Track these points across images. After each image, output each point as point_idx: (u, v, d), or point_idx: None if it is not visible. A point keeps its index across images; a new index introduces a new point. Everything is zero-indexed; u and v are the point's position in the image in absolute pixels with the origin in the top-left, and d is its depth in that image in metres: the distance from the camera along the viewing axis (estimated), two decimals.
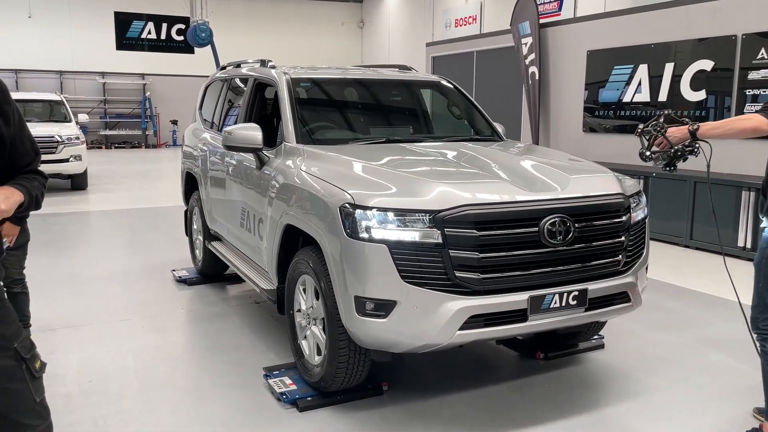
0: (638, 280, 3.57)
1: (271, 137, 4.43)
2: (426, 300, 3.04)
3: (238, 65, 5.60)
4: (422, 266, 3.04)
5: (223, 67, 6.03)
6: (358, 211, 3.10)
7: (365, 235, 3.08)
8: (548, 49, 10.55)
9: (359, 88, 4.93)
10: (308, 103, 4.60)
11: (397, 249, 3.04)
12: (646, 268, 3.74)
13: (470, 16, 19.05)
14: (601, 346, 4.42)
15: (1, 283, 2.03)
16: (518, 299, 3.14)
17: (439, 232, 3.04)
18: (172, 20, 23.36)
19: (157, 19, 23.34)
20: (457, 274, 3.05)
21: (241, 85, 5.24)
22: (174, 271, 6.22)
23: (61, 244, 7.70)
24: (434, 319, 3.04)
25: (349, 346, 3.33)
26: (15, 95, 13.71)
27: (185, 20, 20.76)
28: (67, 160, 11.24)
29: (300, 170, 3.74)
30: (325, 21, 26.09)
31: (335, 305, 3.28)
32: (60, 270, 6.45)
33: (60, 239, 7.97)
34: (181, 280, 5.96)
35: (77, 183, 11.88)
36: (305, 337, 3.72)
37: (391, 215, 3.08)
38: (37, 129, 11.28)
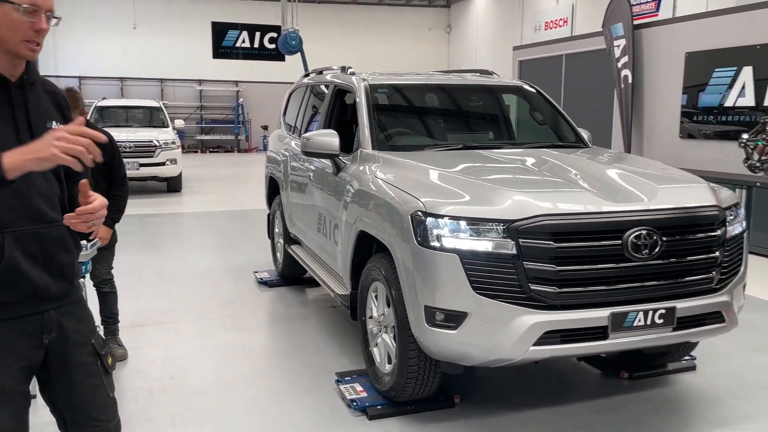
0: (734, 299, 3.30)
1: (350, 143, 4.45)
2: (499, 313, 2.94)
3: (321, 72, 5.67)
4: (495, 278, 2.94)
5: (307, 74, 6.14)
6: (429, 219, 3.04)
7: (436, 244, 3.01)
8: (643, 51, 10.07)
9: (438, 93, 4.87)
10: (386, 109, 4.58)
11: (468, 259, 2.95)
12: (744, 286, 3.46)
13: (561, 19, 18.52)
14: (693, 368, 4.13)
15: (81, 282, 2.10)
16: (598, 316, 2.97)
17: (513, 242, 2.93)
18: (264, 29, 24.15)
19: (251, 29, 24.19)
20: (532, 287, 2.93)
21: (323, 91, 5.30)
22: (256, 272, 6.38)
23: (154, 244, 8.09)
24: (507, 333, 2.93)
25: (419, 357, 3.27)
26: (119, 102, 14.56)
27: (277, 29, 21.39)
28: (163, 164, 11.82)
29: (375, 177, 3.73)
30: (412, 26, 26.16)
31: (405, 314, 3.23)
32: (151, 268, 6.76)
33: (153, 239, 8.38)
34: (263, 282, 6.10)
35: (172, 185, 12.47)
36: (376, 344, 3.70)
37: (463, 224, 3.00)
38: (138, 134, 11.96)
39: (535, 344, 2.94)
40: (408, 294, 3.18)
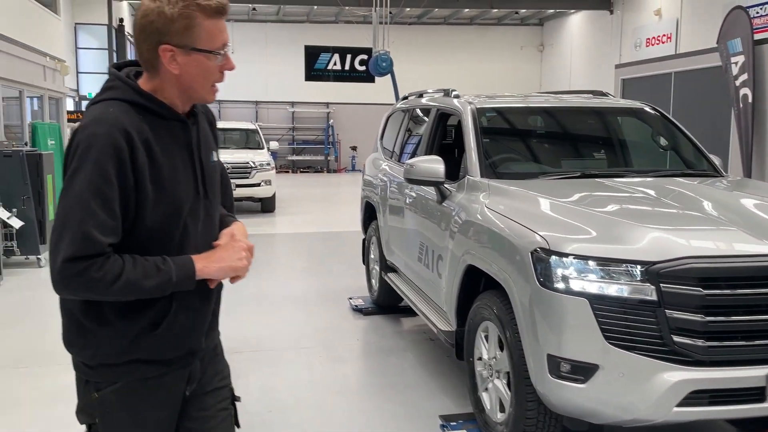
0: None
1: (453, 170, 4.21)
2: (635, 367, 2.59)
3: (420, 95, 5.48)
4: (631, 327, 2.60)
5: (405, 98, 5.97)
6: (553, 258, 2.74)
7: (561, 286, 2.70)
8: (765, 68, 9.27)
9: (549, 116, 4.56)
10: (494, 134, 4.32)
11: (599, 304, 2.63)
12: None
13: (664, 35, 17.59)
14: None
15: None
16: (754, 375, 2.57)
17: (653, 287, 2.58)
18: (355, 51, 24.46)
19: (342, 51, 24.58)
20: (675, 339, 2.56)
21: (423, 115, 5.10)
22: (351, 299, 6.23)
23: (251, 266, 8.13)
24: (646, 391, 2.57)
25: (539, 409, 2.96)
26: (218, 124, 15.16)
27: (368, 51, 21.59)
28: (258, 185, 12.02)
29: (484, 207, 3.46)
30: (503, 45, 25.76)
31: (523, 360, 2.93)
32: (248, 291, 6.75)
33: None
34: (357, 309, 5.94)
35: (266, 206, 12.66)
36: (486, 389, 3.40)
37: (592, 264, 2.68)
38: (234, 155, 12.24)
39: (679, 405, 2.56)
40: (527, 339, 2.88)
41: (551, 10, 23.05)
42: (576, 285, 2.68)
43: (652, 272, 2.59)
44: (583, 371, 2.66)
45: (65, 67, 12.29)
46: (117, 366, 1.67)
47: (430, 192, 4.23)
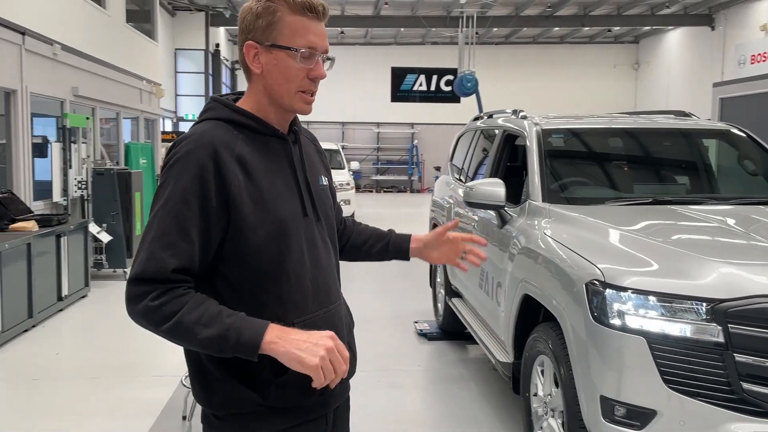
0: None
1: (517, 193, 4.04)
2: (698, 415, 2.34)
3: (491, 116, 5.35)
4: (694, 370, 2.35)
5: (477, 118, 5.85)
6: (608, 291, 2.54)
7: (617, 322, 2.50)
8: None
9: (623, 138, 4.30)
10: (561, 156, 4.12)
11: (659, 344, 2.40)
12: None
13: None
14: None
15: None
16: None
17: (719, 328, 2.33)
18: (441, 72, 24.50)
19: (428, 72, 24.69)
20: (744, 387, 2.30)
21: (491, 136, 4.96)
22: (416, 323, 6.11)
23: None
24: None
25: None
26: None
27: (454, 71, 21.56)
28: None
29: (543, 233, 3.28)
30: (595, 64, 24.99)
31: (576, 400, 2.72)
32: None
33: None
34: (422, 334, 5.82)
35: None
36: (541, 428, 3.20)
37: (652, 300, 2.46)
38: None
39: None
40: (580, 378, 2.68)
41: (647, 27, 22.18)
42: (633, 322, 2.47)
43: (719, 311, 2.34)
44: (639, 417, 2.44)
45: (161, 90, 13.02)
46: (245, 415, 1.51)
47: (492, 216, 4.08)
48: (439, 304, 5.92)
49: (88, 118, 8.07)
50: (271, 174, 1.52)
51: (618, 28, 22.42)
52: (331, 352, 1.38)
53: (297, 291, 1.51)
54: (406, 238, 1.96)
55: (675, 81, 21.71)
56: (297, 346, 1.38)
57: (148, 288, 1.37)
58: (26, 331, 5.85)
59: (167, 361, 4.89)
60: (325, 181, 1.70)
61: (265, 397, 1.48)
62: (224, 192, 1.43)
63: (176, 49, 19.80)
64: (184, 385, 3.89)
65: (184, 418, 3.75)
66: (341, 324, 1.65)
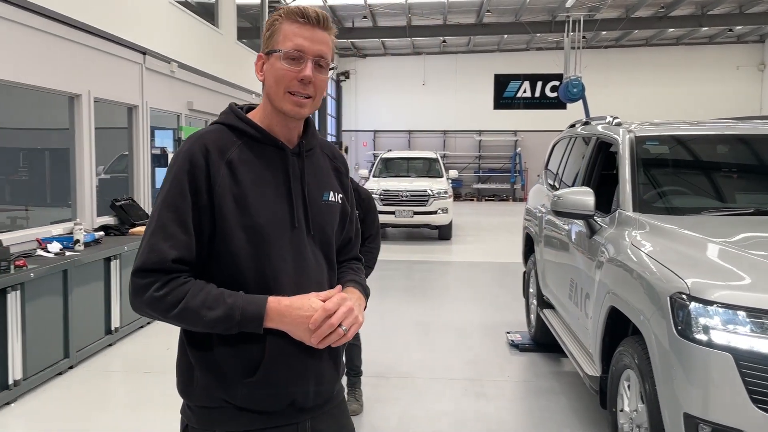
0: None
1: (611, 203, 3.93)
2: None
3: (586, 122, 5.22)
4: None
5: (573, 125, 5.72)
6: (694, 305, 2.44)
7: (702, 337, 2.39)
8: None
9: (726, 145, 4.07)
10: (656, 164, 3.96)
11: (747, 362, 2.28)
12: None
13: None
14: None
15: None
16: None
17: None
18: (546, 78, 23.97)
19: (533, 78, 24.23)
20: None
21: (584, 144, 4.84)
22: (508, 333, 6.05)
23: (416, 291, 8.28)
24: None
25: None
26: (401, 153, 15.56)
27: (559, 77, 21.05)
28: (435, 212, 12.23)
29: (632, 244, 3.19)
30: (713, 66, 23.48)
31: (660, 417, 2.62)
32: (409, 317, 6.89)
33: (418, 287, 8.60)
34: (514, 345, 5.75)
35: (443, 233, 12.82)
36: None
37: (741, 315, 2.34)
38: (414, 184, 12.62)
39: None
40: (663, 394, 2.58)
41: None
42: (720, 337, 2.36)
43: None
44: None
45: None
46: (215, 410, 1.56)
47: (581, 226, 3.99)
48: (532, 315, 5.83)
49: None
50: (260, 181, 1.56)
51: (740, 27, 20.96)
52: (331, 327, 1.48)
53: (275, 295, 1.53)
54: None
55: None
56: (298, 326, 1.49)
57: (151, 279, 1.46)
58: (149, 323, 6.36)
59: None
60: (333, 197, 1.69)
61: (232, 396, 1.53)
62: (210, 190, 1.50)
63: None
64: None
65: None
66: None
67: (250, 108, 1.66)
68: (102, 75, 7.02)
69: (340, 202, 1.72)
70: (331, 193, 1.69)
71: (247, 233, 1.52)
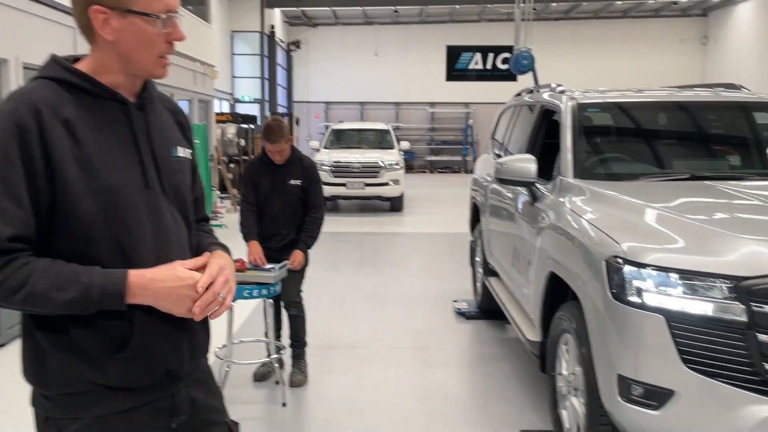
0: None
1: (551, 170, 3.95)
2: (718, 396, 2.25)
3: (531, 91, 5.22)
4: (714, 351, 2.26)
5: (519, 93, 5.72)
6: (628, 268, 2.46)
7: (636, 300, 2.42)
8: None
9: (664, 112, 4.12)
10: (597, 132, 3.99)
11: (678, 323, 2.32)
12: None
13: None
14: None
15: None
16: None
17: (743, 307, 2.23)
18: (497, 50, 23.99)
19: (484, 50, 24.22)
20: (767, 368, 2.19)
21: (529, 112, 4.85)
22: (455, 302, 6.09)
23: (367, 263, 8.26)
24: (729, 424, 2.23)
25: None
26: (352, 125, 15.43)
27: (510, 49, 21.09)
28: (386, 184, 12.19)
29: (572, 210, 3.21)
30: (660, 39, 23.95)
31: (595, 379, 2.66)
32: (359, 288, 6.86)
33: (368, 258, 8.57)
34: (460, 313, 5.80)
35: (394, 205, 12.80)
36: (565, 407, 3.15)
37: (673, 277, 2.37)
38: (365, 155, 12.53)
39: None
40: (598, 356, 2.62)
41: None
42: (653, 300, 2.39)
43: (742, 289, 2.23)
44: (656, 396, 2.36)
45: (214, 71, 13.30)
46: (80, 396, 1.40)
47: (525, 193, 4.01)
48: (478, 284, 5.88)
49: None
50: (104, 140, 1.41)
51: (684, 0, 21.39)
52: (215, 295, 1.40)
53: (137, 267, 1.40)
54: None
55: (746, 56, 20.59)
56: (164, 298, 1.38)
57: None
58: None
59: None
60: (182, 153, 1.58)
61: (102, 374, 1.39)
62: (47, 155, 1.33)
63: (233, 31, 20.14)
64: (218, 357, 4.01)
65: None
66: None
67: (76, 59, 1.48)
68: (31, 39, 6.66)
69: (189, 157, 1.62)
70: (179, 148, 1.58)
71: (97, 199, 1.37)
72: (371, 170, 12.10)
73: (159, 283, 1.37)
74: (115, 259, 1.39)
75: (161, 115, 1.57)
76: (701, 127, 4.08)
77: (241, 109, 19.34)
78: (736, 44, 21.32)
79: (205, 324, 1.58)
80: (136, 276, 1.37)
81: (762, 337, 2.19)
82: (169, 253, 1.47)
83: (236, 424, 1.71)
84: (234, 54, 20.29)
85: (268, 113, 19.73)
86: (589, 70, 23.35)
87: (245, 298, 3.84)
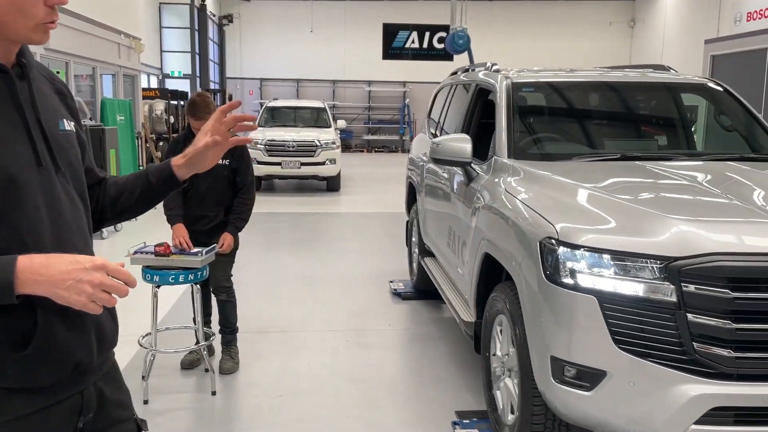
0: None
1: (486, 150, 3.91)
2: (649, 376, 2.27)
3: (467, 70, 5.17)
4: (645, 331, 2.27)
5: (455, 72, 5.66)
6: (562, 249, 2.44)
7: (569, 281, 2.40)
8: None
9: (597, 93, 4.15)
10: (531, 111, 3.98)
11: (610, 304, 2.31)
12: None
13: None
14: None
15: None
16: None
17: (672, 287, 2.24)
18: (434, 29, 24.00)
19: (421, 29, 24.18)
20: (697, 348, 2.22)
21: (465, 92, 4.80)
22: (392, 282, 6.05)
23: (302, 244, 8.10)
24: (660, 404, 2.25)
25: (546, 415, 2.68)
26: (287, 103, 15.10)
27: (446, 28, 21.12)
28: (323, 163, 11.99)
29: (506, 191, 3.17)
30: (590, 21, 24.52)
31: (530, 360, 2.65)
32: (294, 270, 6.71)
33: (304, 239, 8.41)
34: (396, 293, 5.76)
35: (331, 185, 12.64)
36: (499, 388, 3.14)
37: (605, 258, 2.36)
38: (301, 134, 12.27)
39: (698, 422, 2.22)
40: (531, 337, 2.60)
41: None
42: (585, 281, 2.38)
43: (672, 269, 2.24)
44: (589, 377, 2.37)
45: (140, 44, 12.69)
46: None
47: (460, 173, 3.96)
48: (414, 264, 5.85)
49: (58, 72, 7.84)
50: None
51: None
52: (101, 285, 1.21)
53: (33, 253, 1.25)
54: (166, 163, 1.63)
55: (670, 39, 21.33)
56: (59, 285, 1.19)
57: None
58: None
59: (130, 321, 4.80)
60: (68, 126, 1.44)
61: (1, 377, 1.26)
62: None
63: (161, 3, 19.29)
64: (142, 346, 3.82)
65: (143, 377, 3.68)
66: None
67: None
68: None
69: (74, 130, 1.48)
70: (65, 121, 1.44)
71: None
72: (307, 149, 11.88)
73: (52, 267, 1.20)
74: (13, 248, 1.24)
75: (42, 85, 1.43)
76: (632, 107, 4.13)
77: (171, 84, 18.63)
78: (661, 28, 22.04)
79: (112, 315, 1.48)
80: (26, 260, 1.20)
81: (691, 317, 2.21)
82: (68, 238, 1.34)
83: (143, 421, 1.59)
84: (162, 27, 19.46)
85: (199, 89, 19.08)
86: (522, 51, 23.67)
87: (170, 283, 3.65)
